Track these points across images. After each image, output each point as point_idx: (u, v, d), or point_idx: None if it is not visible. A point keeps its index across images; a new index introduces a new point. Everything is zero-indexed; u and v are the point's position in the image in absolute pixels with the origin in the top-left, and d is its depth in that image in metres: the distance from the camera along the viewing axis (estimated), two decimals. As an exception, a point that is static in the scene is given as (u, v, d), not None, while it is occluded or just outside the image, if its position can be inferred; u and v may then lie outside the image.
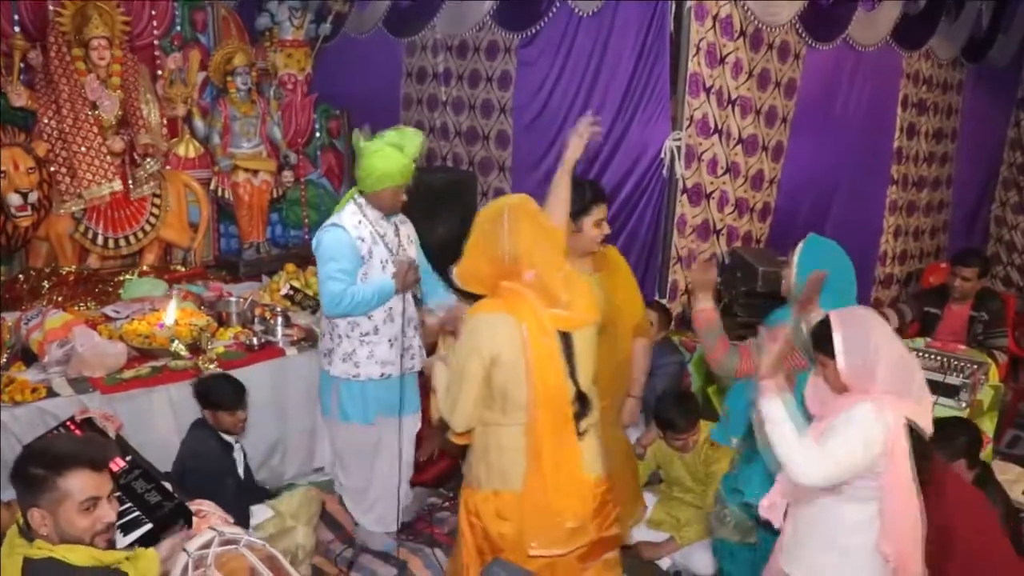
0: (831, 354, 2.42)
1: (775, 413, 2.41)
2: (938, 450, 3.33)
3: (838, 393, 2.48)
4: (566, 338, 2.70)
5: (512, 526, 2.78)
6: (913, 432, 2.39)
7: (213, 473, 3.51)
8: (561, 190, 3.18)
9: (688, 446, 3.86)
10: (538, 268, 2.64)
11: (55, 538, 2.16)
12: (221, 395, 3.62)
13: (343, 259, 3.51)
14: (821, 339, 2.47)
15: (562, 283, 2.67)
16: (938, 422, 3.64)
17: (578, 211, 3.27)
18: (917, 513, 2.43)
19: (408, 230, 3.77)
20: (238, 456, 3.73)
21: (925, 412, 2.45)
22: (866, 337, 2.40)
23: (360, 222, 3.59)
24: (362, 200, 3.61)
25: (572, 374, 2.73)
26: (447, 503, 4.38)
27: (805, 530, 2.61)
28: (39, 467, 2.17)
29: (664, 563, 3.97)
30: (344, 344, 3.67)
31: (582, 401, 2.77)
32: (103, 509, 2.21)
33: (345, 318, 3.61)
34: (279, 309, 4.61)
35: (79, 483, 2.16)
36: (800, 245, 3.14)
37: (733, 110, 4.76)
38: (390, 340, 3.68)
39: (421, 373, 3.90)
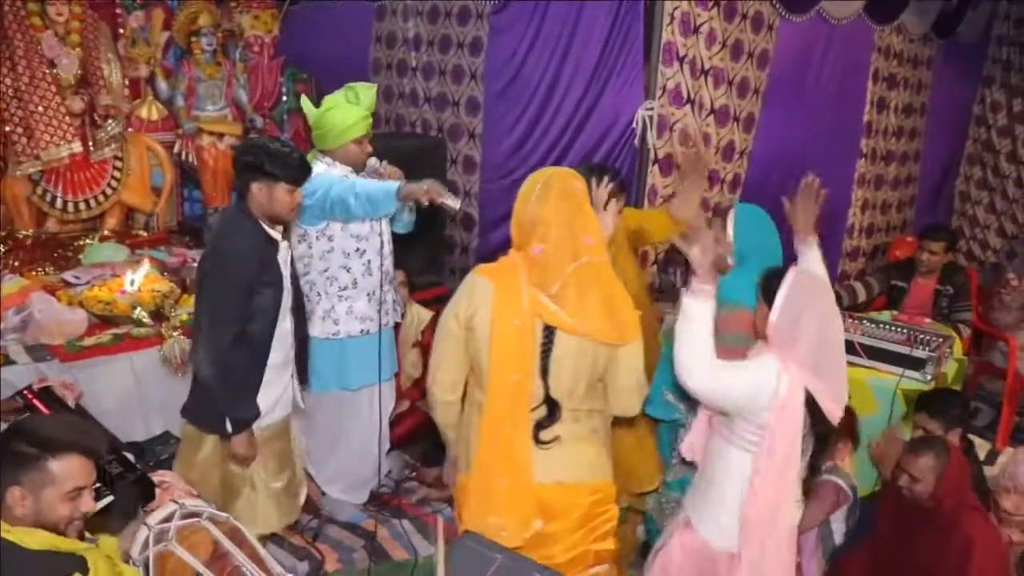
0: (769, 303, 2.50)
1: (696, 313, 2.48)
2: (934, 418, 3.54)
3: (760, 338, 2.62)
4: (548, 335, 2.50)
5: None
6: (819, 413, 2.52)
7: (247, 269, 2.99)
8: None
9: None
10: (547, 247, 2.46)
11: (29, 520, 2.09)
12: (284, 163, 2.99)
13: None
14: (769, 286, 2.54)
15: (560, 273, 2.46)
16: (931, 393, 3.78)
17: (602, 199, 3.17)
18: (790, 483, 2.57)
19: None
20: (284, 258, 3.16)
21: (834, 402, 2.54)
22: (805, 306, 2.47)
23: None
24: (327, 159, 3.62)
25: (544, 373, 2.51)
26: (414, 472, 4.36)
27: (703, 469, 2.75)
28: (32, 446, 2.10)
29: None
30: (323, 302, 3.67)
31: (550, 409, 2.54)
32: (85, 499, 2.16)
33: (324, 272, 3.63)
34: (244, 276, 4.54)
35: (70, 469, 2.11)
36: (732, 213, 3.16)
37: (706, 80, 4.71)
38: (368, 295, 3.70)
39: (396, 326, 4.00)
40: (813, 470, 2.71)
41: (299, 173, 3.05)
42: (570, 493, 2.60)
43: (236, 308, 3.00)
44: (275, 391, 3.24)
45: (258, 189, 2.99)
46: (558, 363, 2.51)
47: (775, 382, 2.46)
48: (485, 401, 2.54)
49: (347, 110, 3.54)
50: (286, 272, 3.15)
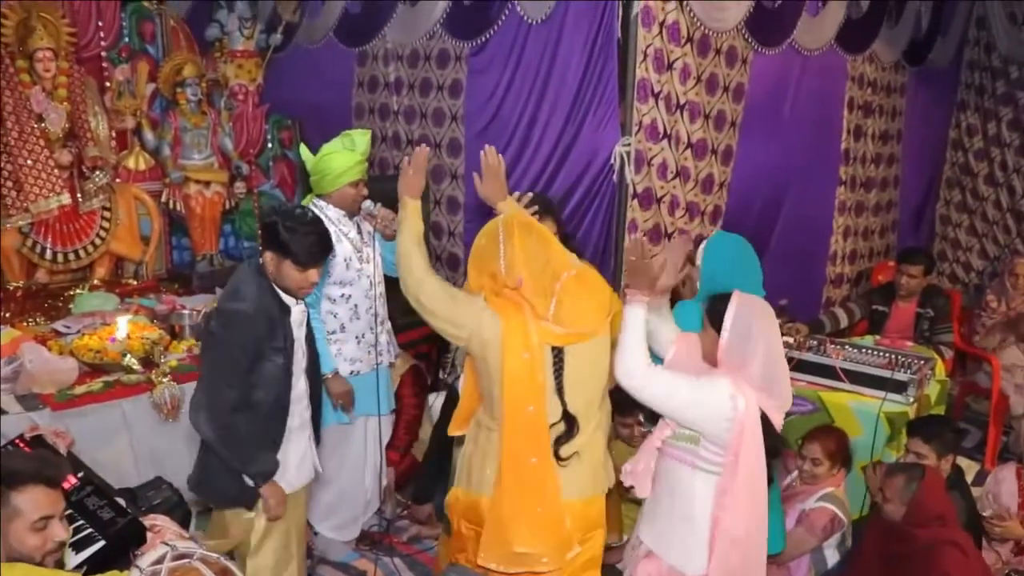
0: (718, 326, 2.57)
1: (629, 320, 2.59)
2: (928, 443, 3.54)
3: (709, 363, 2.66)
4: (557, 352, 2.65)
5: (474, 530, 2.79)
6: (770, 427, 2.59)
7: (252, 332, 2.84)
8: None
9: (634, 436, 3.85)
10: (527, 276, 2.63)
11: (4, 555, 2.12)
12: (296, 243, 2.83)
13: None
14: (715, 309, 2.61)
15: (550, 292, 2.62)
16: (922, 419, 3.82)
17: None
18: (761, 499, 2.62)
19: (368, 227, 3.79)
20: (299, 320, 3.03)
21: (780, 413, 2.64)
22: (752, 325, 2.55)
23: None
24: (321, 203, 3.69)
25: (560, 391, 2.66)
26: (405, 511, 4.38)
27: (660, 498, 2.75)
28: None
29: (620, 566, 4.00)
30: None
31: (568, 423, 2.68)
32: (55, 528, 2.17)
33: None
34: (233, 321, 4.57)
35: (33, 500, 2.13)
36: (704, 243, 3.22)
37: (682, 115, 4.81)
38: (357, 337, 3.76)
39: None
40: (769, 480, 2.75)
41: (308, 257, 2.87)
42: (578, 508, 2.74)
43: (238, 373, 2.85)
44: (295, 456, 3.10)
45: (269, 258, 2.89)
46: (572, 379, 2.66)
47: (729, 403, 2.50)
48: (505, 433, 2.65)
49: (343, 155, 3.63)
50: (300, 334, 3.03)
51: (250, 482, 2.95)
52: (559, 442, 2.67)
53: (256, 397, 2.89)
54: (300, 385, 3.06)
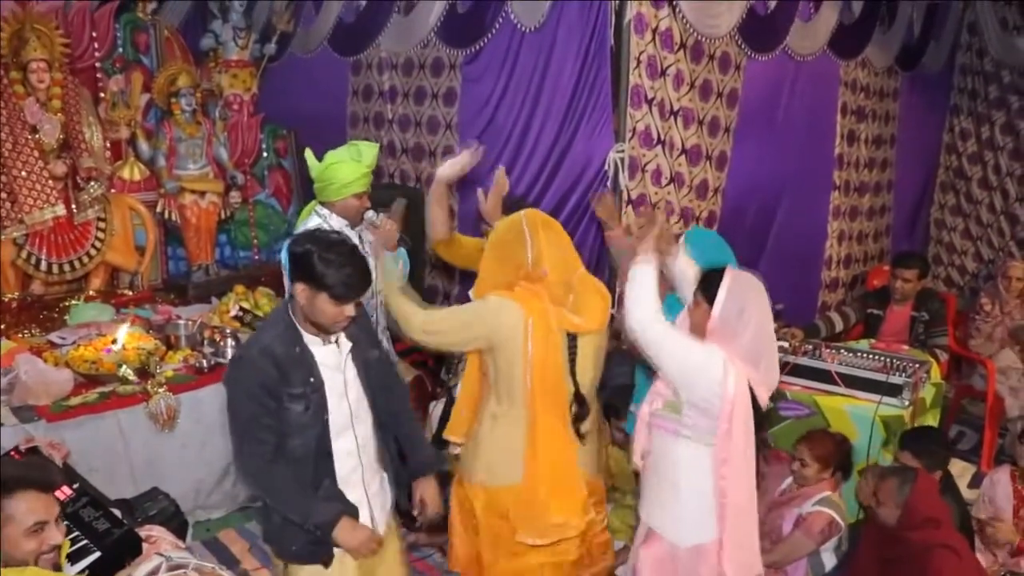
0: (710, 299, 2.60)
1: (641, 275, 2.64)
2: (918, 458, 3.54)
3: (696, 334, 2.70)
4: (572, 339, 2.89)
5: (503, 520, 2.93)
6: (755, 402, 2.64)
7: (257, 377, 2.55)
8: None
9: (630, 440, 3.84)
10: (550, 268, 2.88)
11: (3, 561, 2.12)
12: (333, 275, 2.50)
13: None
14: (708, 283, 2.65)
15: (570, 285, 2.90)
16: (914, 432, 3.82)
17: None
18: (753, 468, 2.69)
19: (368, 237, 3.79)
20: (335, 363, 2.67)
21: (767, 390, 2.67)
22: (747, 300, 2.59)
23: None
24: (325, 211, 3.67)
25: (573, 373, 2.90)
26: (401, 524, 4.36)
27: (650, 472, 2.82)
28: None
29: (620, 571, 3.99)
30: None
31: (580, 403, 2.93)
32: (50, 531, 2.18)
33: None
34: (228, 331, 4.59)
35: (26, 506, 2.14)
36: (681, 239, 3.26)
37: (676, 121, 4.82)
38: None
39: None
40: None
41: (347, 291, 2.53)
42: (592, 481, 3.04)
43: (257, 423, 2.56)
44: None
45: (301, 291, 2.55)
46: (583, 362, 2.93)
47: (722, 372, 2.55)
48: (536, 412, 2.85)
49: (350, 166, 3.60)
50: (334, 380, 2.67)
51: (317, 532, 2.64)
52: (576, 420, 2.93)
53: (292, 445, 2.61)
54: (343, 441, 2.69)
